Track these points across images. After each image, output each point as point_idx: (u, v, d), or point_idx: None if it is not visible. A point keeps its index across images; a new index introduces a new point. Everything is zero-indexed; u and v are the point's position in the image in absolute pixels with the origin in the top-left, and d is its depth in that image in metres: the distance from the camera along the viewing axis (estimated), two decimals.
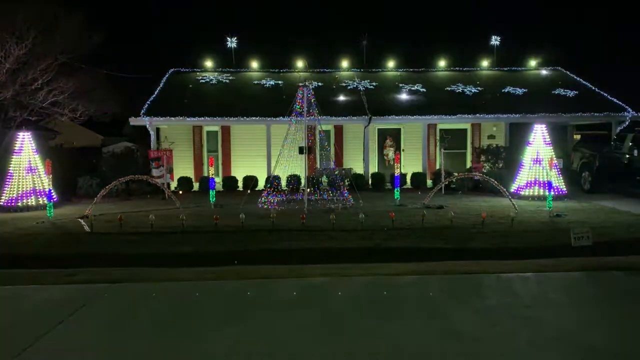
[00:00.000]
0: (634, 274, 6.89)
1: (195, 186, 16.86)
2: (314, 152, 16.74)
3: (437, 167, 17.79)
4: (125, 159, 16.61)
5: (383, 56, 22.28)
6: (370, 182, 17.01)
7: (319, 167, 16.20)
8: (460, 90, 19.43)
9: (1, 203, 12.77)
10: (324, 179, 15.13)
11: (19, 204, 12.64)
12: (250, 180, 15.77)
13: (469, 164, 18.92)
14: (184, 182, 16.50)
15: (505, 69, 21.85)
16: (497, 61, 22.00)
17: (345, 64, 21.57)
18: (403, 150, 19.14)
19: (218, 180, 17.33)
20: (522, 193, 13.53)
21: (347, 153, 18.40)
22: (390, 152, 19.26)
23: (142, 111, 17.20)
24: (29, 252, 8.12)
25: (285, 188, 13.99)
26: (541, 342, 4.56)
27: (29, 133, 13.33)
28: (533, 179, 13.48)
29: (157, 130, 17.61)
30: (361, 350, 4.47)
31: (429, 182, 17.05)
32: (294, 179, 15.35)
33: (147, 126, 17.12)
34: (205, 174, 17.14)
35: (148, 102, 17.87)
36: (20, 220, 11.23)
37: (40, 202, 12.71)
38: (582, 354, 4.37)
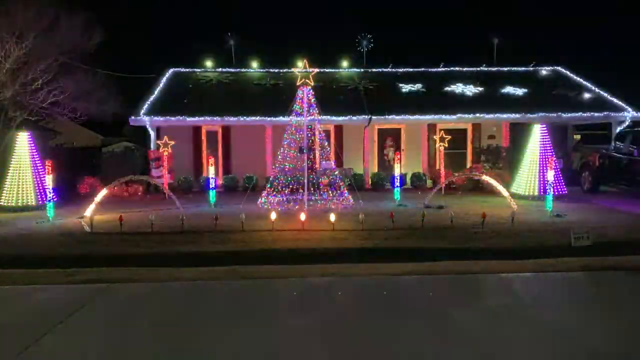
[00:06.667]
0: (634, 274, 6.89)
1: (195, 186, 16.85)
2: (314, 152, 16.74)
3: (437, 167, 17.80)
4: (125, 159, 16.61)
5: (383, 56, 22.30)
6: (370, 182, 17.02)
7: (319, 167, 16.20)
8: (460, 90, 19.42)
9: (1, 203, 12.78)
10: (324, 179, 15.12)
11: (19, 204, 12.66)
12: (250, 180, 15.78)
13: (469, 164, 18.92)
14: (184, 182, 16.49)
15: (505, 69, 21.82)
16: (497, 61, 22.00)
17: (345, 63, 21.56)
18: (403, 150, 19.15)
19: (218, 180, 17.33)
20: (522, 193, 13.53)
21: (347, 153, 18.38)
22: (390, 152, 19.26)
23: (142, 111, 17.20)
24: (29, 252, 8.12)
25: (285, 188, 13.98)
26: (541, 342, 4.56)
27: (29, 133, 13.33)
28: (533, 179, 13.49)
29: (157, 130, 17.62)
30: (361, 351, 4.47)
31: (429, 182, 17.06)
32: (294, 179, 15.33)
33: (147, 126, 17.12)
34: (205, 174, 17.14)
35: (148, 102, 17.87)
36: (20, 220, 11.24)
37: (40, 202, 12.71)
38: (582, 354, 4.37)
